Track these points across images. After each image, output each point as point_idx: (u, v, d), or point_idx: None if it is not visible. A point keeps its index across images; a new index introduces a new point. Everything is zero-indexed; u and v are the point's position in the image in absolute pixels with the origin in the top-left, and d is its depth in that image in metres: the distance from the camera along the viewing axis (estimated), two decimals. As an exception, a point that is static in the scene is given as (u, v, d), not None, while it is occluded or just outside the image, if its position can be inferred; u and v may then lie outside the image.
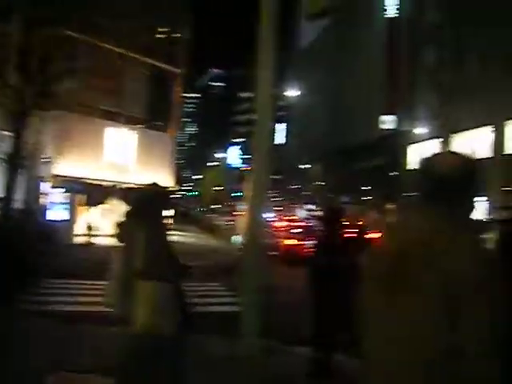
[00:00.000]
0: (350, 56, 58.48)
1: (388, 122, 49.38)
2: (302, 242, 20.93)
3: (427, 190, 1.85)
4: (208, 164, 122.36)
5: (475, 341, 1.58)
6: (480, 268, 1.65)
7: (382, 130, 49.35)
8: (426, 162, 1.94)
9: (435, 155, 1.96)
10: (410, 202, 1.97)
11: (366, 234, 12.72)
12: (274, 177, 63.82)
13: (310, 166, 65.98)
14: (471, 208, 1.85)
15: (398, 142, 46.49)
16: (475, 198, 1.87)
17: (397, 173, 45.57)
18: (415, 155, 45.59)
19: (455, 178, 1.79)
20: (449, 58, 42.38)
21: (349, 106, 57.06)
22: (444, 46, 43.08)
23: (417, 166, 2.04)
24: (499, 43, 34.35)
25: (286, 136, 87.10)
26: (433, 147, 42.49)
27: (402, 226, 1.90)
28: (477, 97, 36.83)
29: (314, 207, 47.43)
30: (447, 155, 2.01)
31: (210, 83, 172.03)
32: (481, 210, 26.41)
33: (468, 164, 1.87)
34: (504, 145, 34.84)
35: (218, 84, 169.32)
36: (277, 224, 27.01)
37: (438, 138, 41.24)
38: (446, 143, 41.00)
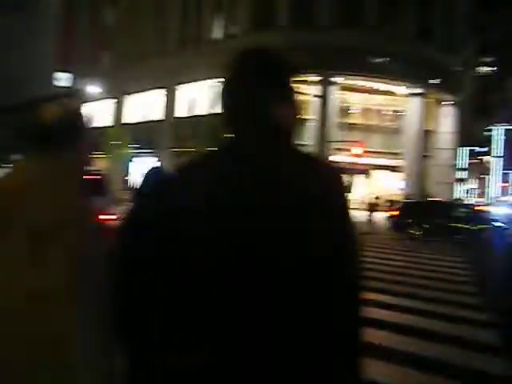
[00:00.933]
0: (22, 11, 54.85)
1: (62, 78, 48.05)
2: None
3: (34, 139, 1.86)
4: None
5: (57, 287, 1.61)
6: (63, 213, 1.71)
7: (56, 86, 47.85)
8: (31, 112, 1.93)
9: (43, 106, 1.93)
10: (25, 151, 1.94)
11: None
12: None
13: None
14: (75, 157, 1.89)
15: (72, 99, 45.67)
16: (83, 149, 1.94)
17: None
18: (89, 114, 45.41)
19: (59, 128, 1.84)
20: (126, 21, 43.03)
21: (20, 59, 53.79)
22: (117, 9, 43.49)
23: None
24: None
25: None
26: (107, 107, 42.86)
27: (8, 173, 1.87)
28: (152, 61, 38.29)
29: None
30: (53, 106, 2.01)
31: None
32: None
33: (73, 115, 1.94)
34: (175, 108, 36.76)
35: None
36: None
37: (111, 98, 41.68)
38: (119, 103, 41.71)
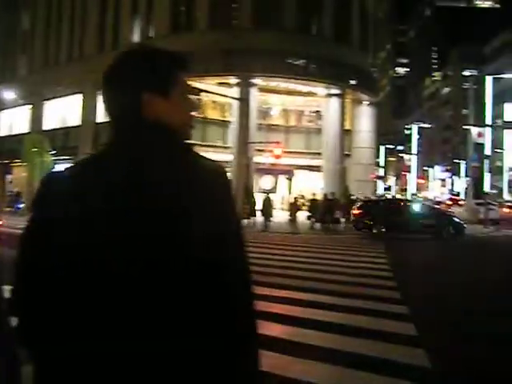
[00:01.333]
0: None
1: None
2: None
3: None
4: None
5: None
6: None
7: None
8: None
9: None
10: None
11: None
12: None
13: None
14: None
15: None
16: None
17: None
18: (6, 121, 44.25)
19: None
20: (43, 25, 42.04)
21: None
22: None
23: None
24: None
25: None
26: (24, 113, 41.67)
27: None
28: (70, 65, 37.49)
29: None
30: None
31: None
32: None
33: None
34: (95, 113, 35.88)
35: None
36: None
37: (28, 103, 40.57)
38: (37, 109, 40.58)
